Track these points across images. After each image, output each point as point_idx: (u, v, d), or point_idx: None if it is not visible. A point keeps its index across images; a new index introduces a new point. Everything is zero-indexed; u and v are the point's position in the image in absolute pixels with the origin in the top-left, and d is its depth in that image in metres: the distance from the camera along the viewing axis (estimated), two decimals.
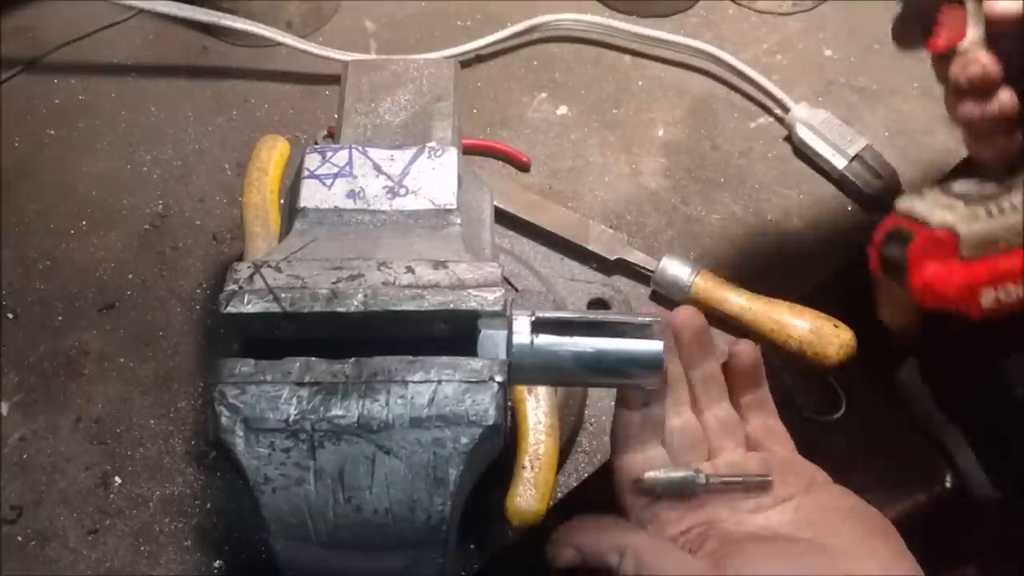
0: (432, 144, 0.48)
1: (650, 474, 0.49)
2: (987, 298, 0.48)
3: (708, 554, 0.45)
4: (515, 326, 0.41)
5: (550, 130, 0.82)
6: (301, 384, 0.38)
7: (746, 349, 0.52)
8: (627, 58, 0.87)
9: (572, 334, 0.42)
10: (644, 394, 0.49)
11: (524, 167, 0.79)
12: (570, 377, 0.43)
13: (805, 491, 0.48)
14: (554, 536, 0.47)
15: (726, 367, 0.52)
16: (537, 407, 0.52)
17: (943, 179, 0.52)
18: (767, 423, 0.52)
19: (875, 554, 0.44)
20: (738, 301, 0.67)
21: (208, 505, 0.61)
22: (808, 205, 0.77)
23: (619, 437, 0.50)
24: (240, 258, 0.49)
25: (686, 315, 0.51)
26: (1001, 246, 0.48)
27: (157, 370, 0.67)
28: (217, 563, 0.59)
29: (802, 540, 0.45)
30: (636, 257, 0.71)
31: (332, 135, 0.77)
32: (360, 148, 0.48)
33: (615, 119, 0.82)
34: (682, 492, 0.48)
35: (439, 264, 0.41)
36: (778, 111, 0.82)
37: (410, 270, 0.41)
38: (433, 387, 0.38)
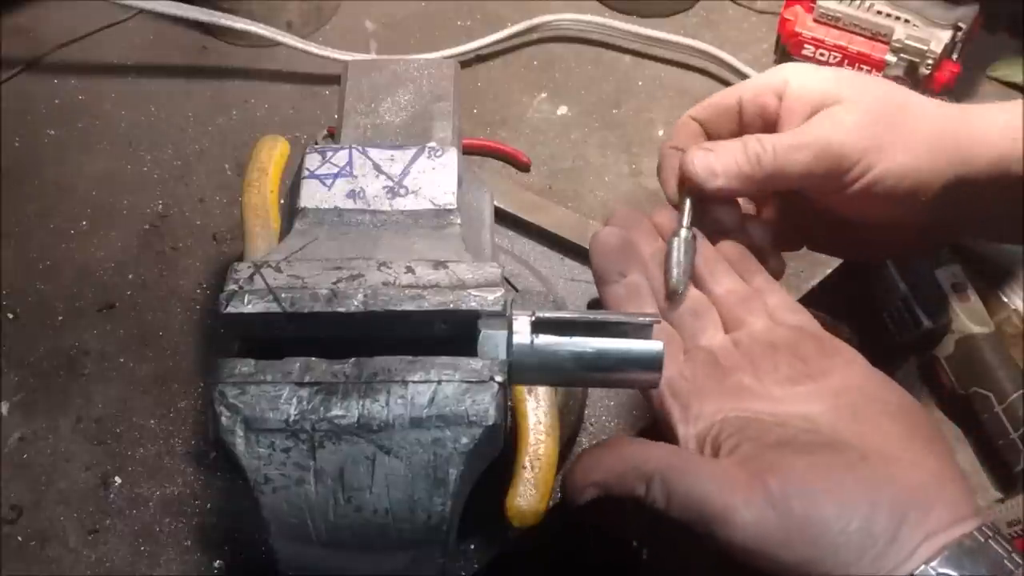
0: (432, 144, 0.48)
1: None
2: None
3: (743, 461, 0.41)
4: (515, 326, 0.41)
5: (550, 130, 0.82)
6: (301, 384, 0.38)
7: (730, 243, 0.52)
8: (627, 58, 0.87)
9: (572, 334, 0.42)
10: (620, 264, 0.50)
11: (524, 167, 0.79)
12: (570, 377, 0.43)
13: (845, 373, 0.45)
14: (571, 475, 0.43)
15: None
16: (537, 407, 0.52)
17: None
18: (786, 300, 0.50)
19: (921, 461, 0.41)
20: None
21: (208, 505, 0.61)
22: None
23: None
24: (240, 258, 0.49)
25: (666, 213, 0.53)
26: None
27: (157, 370, 0.67)
28: (217, 563, 0.59)
29: (844, 447, 0.41)
30: None
31: (332, 135, 0.77)
32: (360, 148, 0.48)
33: (615, 119, 0.82)
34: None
35: (439, 264, 0.41)
36: None
37: (410, 270, 0.41)
38: (433, 387, 0.38)
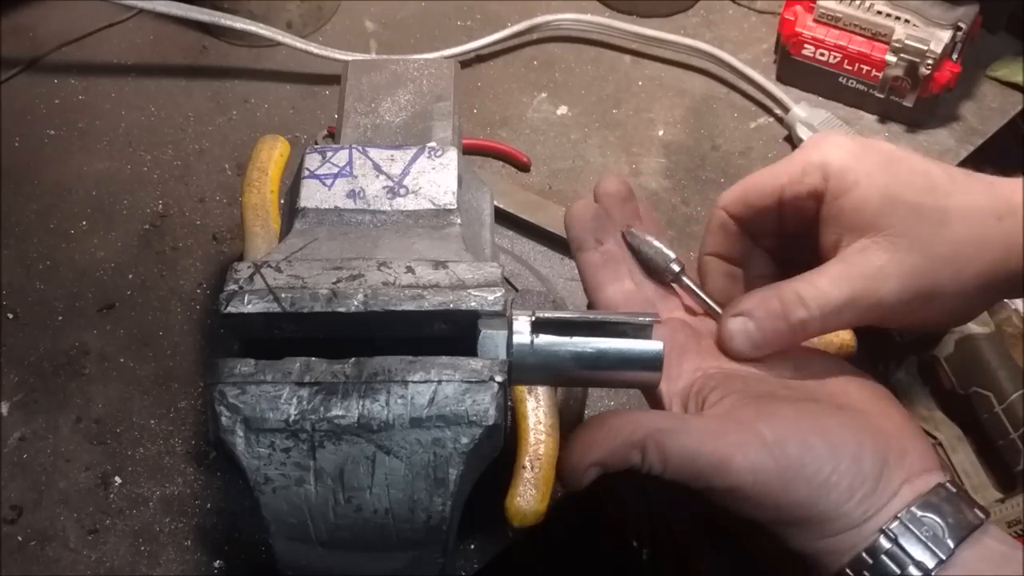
0: (432, 144, 0.48)
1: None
2: None
3: (731, 412, 0.42)
4: (515, 326, 0.41)
5: (550, 130, 0.82)
6: (301, 384, 0.38)
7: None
8: (627, 58, 0.87)
9: (572, 334, 0.42)
10: (596, 232, 0.50)
11: (524, 167, 0.79)
12: (570, 377, 0.43)
13: (799, 351, 0.48)
14: (568, 462, 0.43)
15: None
16: (537, 407, 0.52)
17: None
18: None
19: (889, 416, 0.44)
20: None
21: (208, 505, 0.61)
22: None
23: (588, 281, 0.51)
24: (240, 258, 0.49)
25: (609, 181, 0.52)
26: None
27: (157, 370, 0.67)
28: (217, 563, 0.59)
29: (822, 398, 0.44)
30: None
31: (332, 135, 0.77)
32: (360, 148, 0.48)
33: (615, 119, 0.83)
34: (655, 267, 0.51)
35: (439, 264, 0.41)
36: (778, 111, 0.82)
37: (410, 270, 0.41)
38: (433, 387, 0.38)
